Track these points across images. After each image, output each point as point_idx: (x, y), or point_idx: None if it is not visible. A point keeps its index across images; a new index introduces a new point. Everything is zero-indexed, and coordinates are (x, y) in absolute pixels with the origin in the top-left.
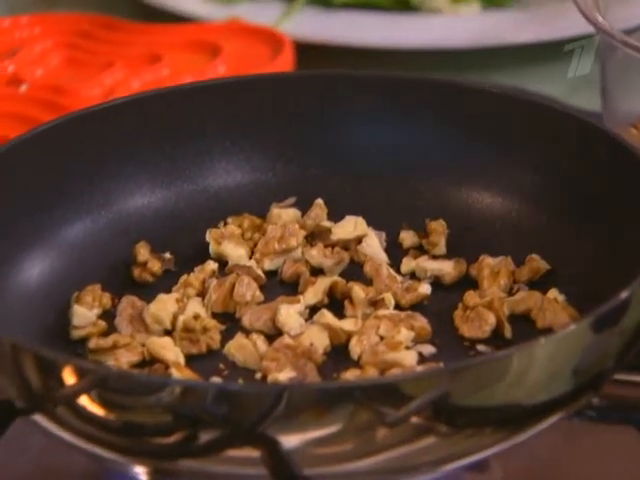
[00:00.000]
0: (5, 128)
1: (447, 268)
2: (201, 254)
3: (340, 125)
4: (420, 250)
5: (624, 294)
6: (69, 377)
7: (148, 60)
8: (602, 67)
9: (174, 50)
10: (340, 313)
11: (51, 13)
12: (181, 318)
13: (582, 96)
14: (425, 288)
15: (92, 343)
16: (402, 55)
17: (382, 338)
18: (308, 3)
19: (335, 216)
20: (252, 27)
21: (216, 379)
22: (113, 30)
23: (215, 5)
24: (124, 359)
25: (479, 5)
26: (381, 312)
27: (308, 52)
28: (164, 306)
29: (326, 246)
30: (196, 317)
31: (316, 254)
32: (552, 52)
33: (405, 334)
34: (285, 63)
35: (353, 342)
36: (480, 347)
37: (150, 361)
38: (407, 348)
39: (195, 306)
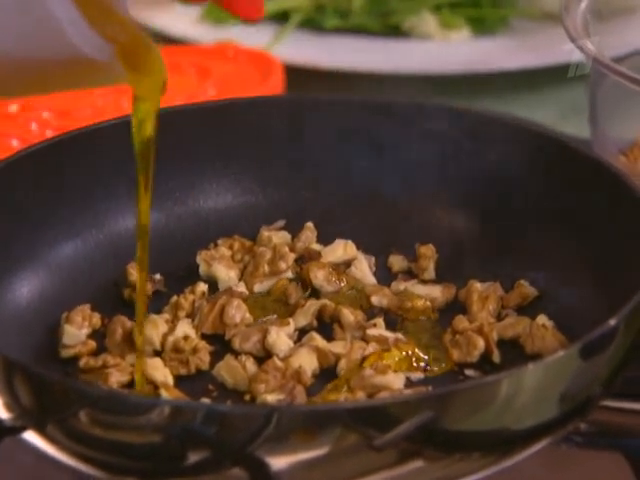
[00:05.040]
0: None
1: (435, 293)
2: (191, 275)
3: (330, 149)
4: (409, 274)
5: (613, 321)
6: (60, 396)
7: None
8: (592, 94)
9: None
10: (329, 336)
11: None
12: (170, 339)
13: (572, 123)
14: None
15: (82, 362)
16: (392, 80)
17: (368, 358)
18: (299, 27)
19: (325, 239)
20: (243, 50)
21: (205, 400)
22: None
23: (206, 28)
24: (114, 379)
25: (469, 31)
26: (370, 332)
27: (298, 75)
28: (154, 326)
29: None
30: (185, 338)
31: (322, 277)
32: (542, 79)
33: (393, 355)
34: (275, 86)
35: (341, 364)
36: (468, 372)
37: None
38: (395, 372)
39: (185, 327)
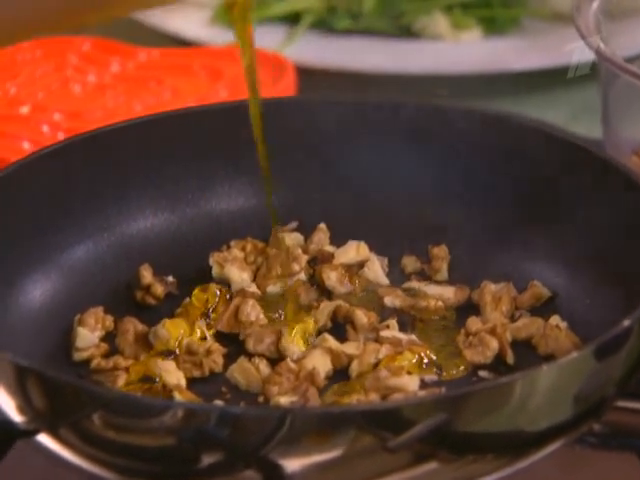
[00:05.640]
0: (6, 150)
1: (448, 294)
2: (204, 277)
3: (342, 150)
4: (422, 276)
5: (627, 322)
6: (73, 399)
7: (150, 83)
8: (604, 94)
9: (176, 74)
10: (341, 337)
11: (53, 36)
12: (185, 341)
13: (584, 123)
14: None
15: (94, 364)
16: (404, 81)
17: (382, 361)
18: (311, 28)
19: (337, 241)
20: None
21: (218, 402)
22: (115, 54)
23: (217, 29)
24: (123, 381)
25: (480, 32)
26: (383, 334)
27: (310, 77)
28: (169, 328)
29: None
30: (199, 340)
31: (334, 278)
32: (554, 79)
33: (407, 357)
34: (287, 88)
35: (354, 366)
36: (482, 373)
37: (150, 382)
38: (409, 373)
39: (198, 329)
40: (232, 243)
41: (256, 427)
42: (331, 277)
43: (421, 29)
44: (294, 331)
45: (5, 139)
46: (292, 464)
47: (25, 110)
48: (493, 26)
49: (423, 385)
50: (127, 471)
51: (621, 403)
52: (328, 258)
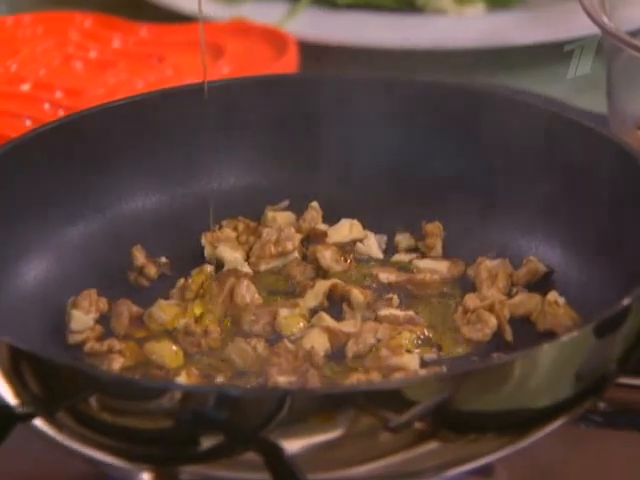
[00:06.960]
0: (8, 128)
1: (441, 268)
2: (197, 258)
3: (336, 127)
4: (417, 253)
5: (627, 299)
6: (70, 382)
7: (152, 60)
8: (608, 69)
9: (177, 50)
10: (337, 316)
11: (54, 12)
12: (181, 322)
13: (587, 98)
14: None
15: (87, 347)
16: (405, 56)
17: (380, 340)
18: (312, 3)
19: (330, 219)
20: (256, 27)
21: (217, 383)
22: (116, 30)
23: (219, 5)
24: (118, 364)
25: (484, 6)
26: (382, 313)
27: (312, 52)
28: (164, 310)
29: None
30: (196, 321)
31: (329, 257)
32: (557, 53)
33: (406, 336)
34: (289, 63)
35: (350, 344)
36: (481, 351)
37: (146, 365)
38: (408, 352)
39: (195, 310)
40: (224, 223)
41: (255, 409)
42: (326, 256)
43: (424, 3)
44: (290, 311)
45: (7, 117)
46: (292, 445)
47: (26, 87)
48: (497, 0)
49: (422, 364)
50: (125, 454)
51: (626, 381)
52: (321, 236)
